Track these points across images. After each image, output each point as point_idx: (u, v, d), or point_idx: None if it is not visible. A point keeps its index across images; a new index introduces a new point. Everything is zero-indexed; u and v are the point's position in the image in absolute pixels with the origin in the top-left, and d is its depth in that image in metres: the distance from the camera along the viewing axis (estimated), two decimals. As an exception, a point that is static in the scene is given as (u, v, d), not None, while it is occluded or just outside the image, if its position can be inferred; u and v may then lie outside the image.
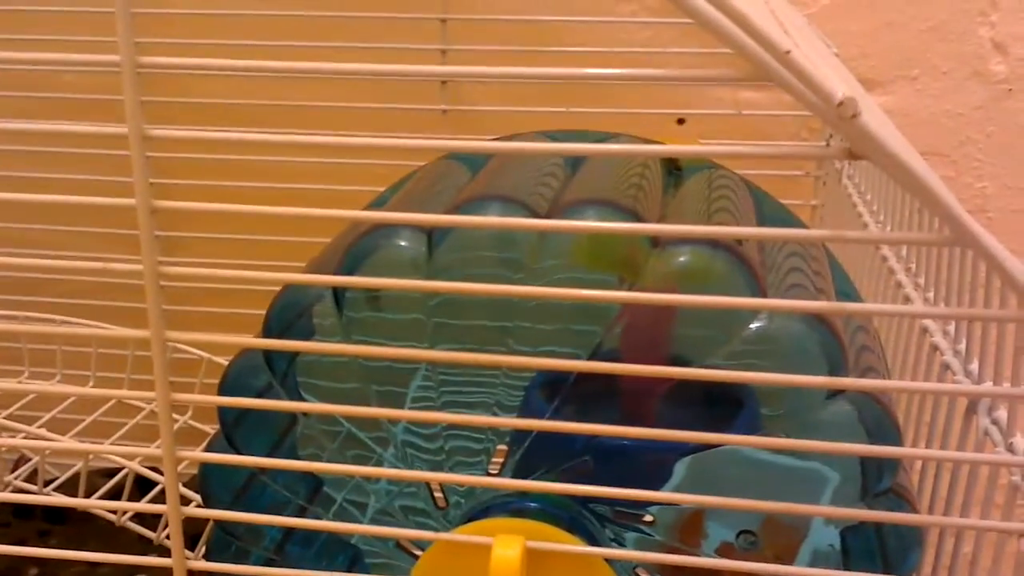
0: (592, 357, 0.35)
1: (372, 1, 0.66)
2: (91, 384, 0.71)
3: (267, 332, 0.37)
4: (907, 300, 0.42)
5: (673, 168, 0.40)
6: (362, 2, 0.66)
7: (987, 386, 0.34)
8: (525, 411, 0.37)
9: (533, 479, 0.37)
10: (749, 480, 0.36)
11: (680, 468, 0.37)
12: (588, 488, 0.32)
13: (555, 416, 0.36)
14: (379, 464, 0.38)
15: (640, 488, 0.32)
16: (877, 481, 0.35)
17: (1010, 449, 0.33)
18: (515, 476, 0.37)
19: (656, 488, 0.36)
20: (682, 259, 0.33)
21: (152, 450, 0.34)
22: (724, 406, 0.36)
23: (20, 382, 0.72)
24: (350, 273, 0.36)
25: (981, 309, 0.30)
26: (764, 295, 0.33)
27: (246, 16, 0.66)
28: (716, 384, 0.35)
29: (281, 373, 0.38)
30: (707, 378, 0.29)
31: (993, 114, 0.68)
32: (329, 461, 0.38)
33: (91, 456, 0.49)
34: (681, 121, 0.70)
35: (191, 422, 0.60)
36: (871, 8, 0.67)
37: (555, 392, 0.36)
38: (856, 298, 0.40)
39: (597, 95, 0.67)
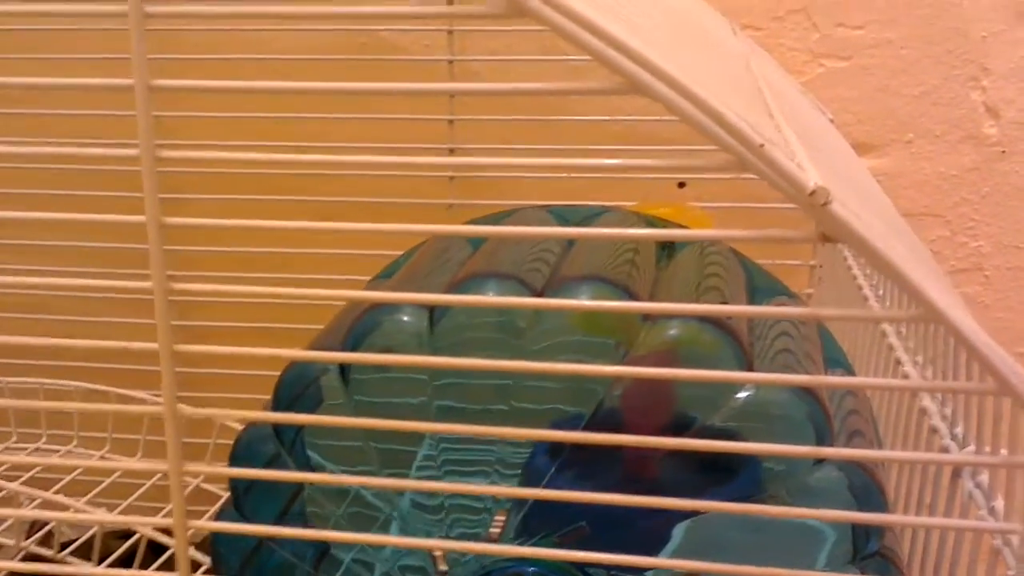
0: (594, 415, 0.36)
1: (382, 73, 0.69)
2: (107, 448, 0.73)
3: (276, 404, 0.38)
4: (897, 364, 0.43)
5: (667, 240, 0.42)
6: (371, 74, 0.69)
7: (969, 452, 0.36)
8: (529, 470, 0.38)
9: (533, 543, 0.38)
10: (750, 539, 0.37)
11: (678, 532, 0.38)
12: (587, 555, 0.33)
13: (557, 477, 0.37)
14: (385, 524, 0.39)
15: (638, 553, 0.33)
16: (865, 543, 0.36)
17: (992, 512, 0.34)
18: (515, 538, 0.38)
19: (655, 553, 0.37)
20: (672, 332, 0.34)
21: (163, 520, 0.35)
22: (727, 462, 0.37)
23: (38, 447, 0.73)
24: (356, 343, 0.37)
25: (957, 381, 0.31)
26: (751, 365, 0.34)
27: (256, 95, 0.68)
28: (721, 439, 0.36)
29: (289, 442, 0.40)
30: (696, 448, 0.30)
31: (987, 175, 0.70)
32: (336, 522, 0.39)
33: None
34: (682, 184, 0.72)
35: (204, 485, 0.62)
36: (865, 75, 0.69)
37: (558, 451, 0.37)
38: (845, 363, 0.41)
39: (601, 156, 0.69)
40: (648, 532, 0.38)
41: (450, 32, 0.69)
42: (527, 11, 0.25)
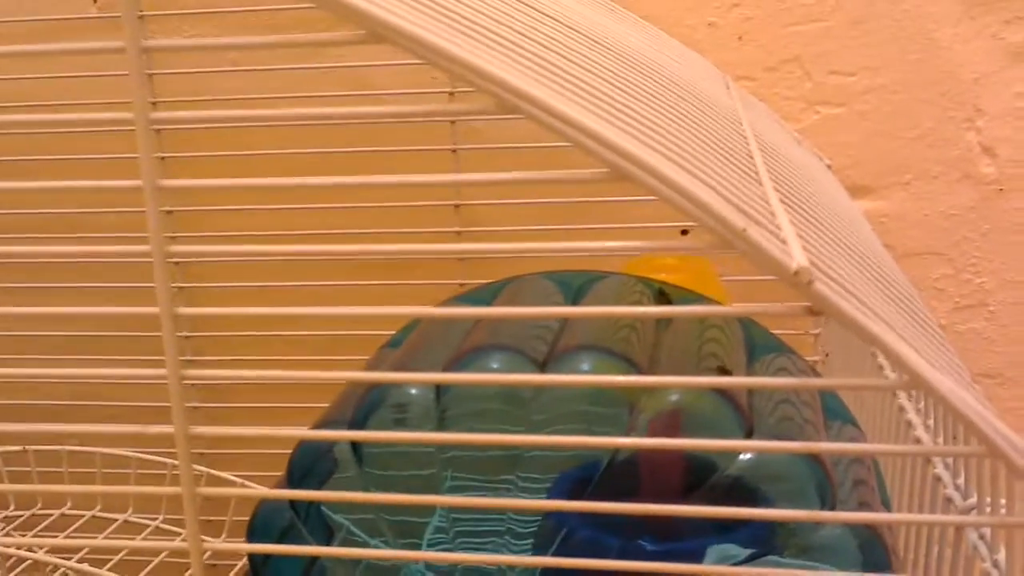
0: (608, 469, 0.37)
1: (386, 138, 0.70)
2: (130, 510, 0.74)
3: (290, 476, 0.39)
4: (909, 425, 0.44)
5: (664, 300, 0.43)
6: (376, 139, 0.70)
7: (971, 505, 0.36)
8: (547, 527, 0.38)
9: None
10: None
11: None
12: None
13: (576, 530, 0.38)
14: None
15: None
16: (873, 599, 0.36)
17: (996, 565, 0.35)
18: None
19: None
20: (673, 398, 0.35)
21: (185, 596, 0.36)
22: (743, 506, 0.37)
23: (63, 513, 0.75)
24: (364, 419, 0.38)
25: (951, 446, 0.32)
26: (751, 428, 0.35)
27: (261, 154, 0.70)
28: (743, 488, 0.37)
29: (304, 511, 0.41)
30: (696, 514, 0.31)
31: (986, 213, 0.71)
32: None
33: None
34: (685, 232, 0.73)
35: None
36: (860, 120, 0.70)
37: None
38: (844, 414, 0.42)
39: (605, 212, 0.70)
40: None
41: (453, 123, 0.71)
42: (514, 109, 0.27)
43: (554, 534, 0.38)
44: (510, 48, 0.29)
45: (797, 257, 0.26)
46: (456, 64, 0.26)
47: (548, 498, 0.38)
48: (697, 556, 0.38)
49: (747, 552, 0.37)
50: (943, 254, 0.72)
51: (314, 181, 0.30)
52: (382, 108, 0.29)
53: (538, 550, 0.39)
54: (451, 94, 0.71)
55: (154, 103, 0.74)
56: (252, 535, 0.41)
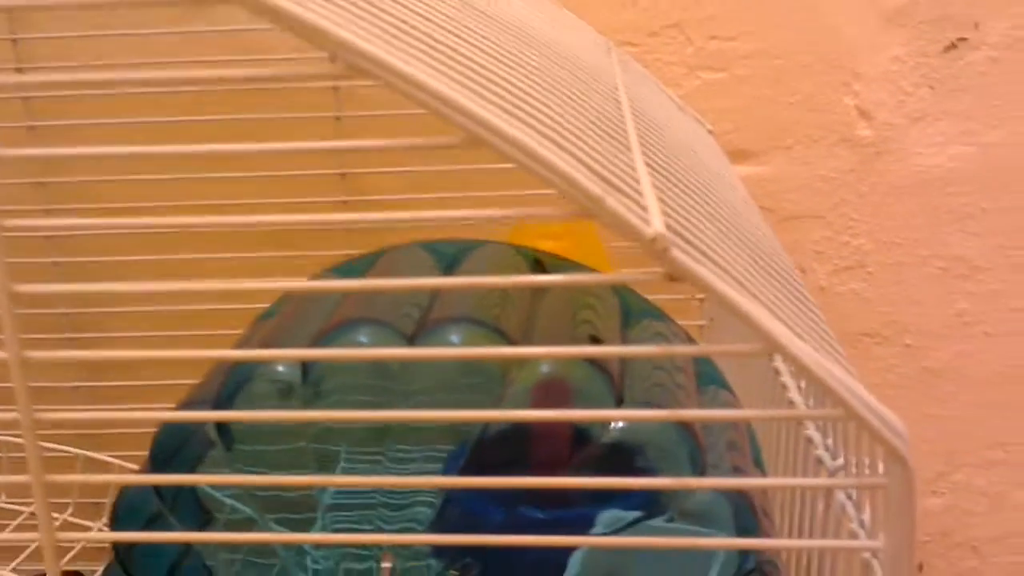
0: (475, 448, 0.37)
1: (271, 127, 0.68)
2: (2, 497, 0.71)
3: (153, 462, 0.38)
4: (784, 388, 0.45)
5: (539, 270, 0.42)
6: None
7: (839, 466, 0.37)
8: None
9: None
10: (647, 562, 0.38)
11: (575, 561, 0.38)
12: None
13: (460, 497, 0.37)
14: (283, 568, 0.39)
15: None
16: (744, 560, 0.37)
17: (861, 524, 0.36)
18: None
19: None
20: (544, 369, 0.35)
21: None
22: (628, 475, 0.37)
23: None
24: (231, 398, 0.37)
25: (813, 410, 0.32)
26: (621, 397, 0.35)
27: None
28: (619, 454, 0.37)
29: (171, 496, 0.39)
30: (570, 486, 0.31)
31: (864, 176, 0.72)
32: (236, 570, 0.39)
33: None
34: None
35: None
36: (741, 85, 0.70)
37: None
38: (719, 380, 0.42)
39: (490, 179, 0.69)
40: (544, 562, 0.39)
41: (336, 88, 0.69)
42: (364, 73, 0.26)
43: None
44: (364, 10, 0.28)
45: (655, 224, 0.26)
46: (298, 24, 0.25)
47: (441, 474, 0.38)
48: (584, 523, 0.38)
49: (633, 515, 0.37)
50: (822, 217, 0.73)
51: (189, 149, 0.29)
52: (256, 71, 0.27)
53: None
54: (332, 59, 0.69)
55: (19, 68, 0.70)
56: (116, 523, 0.39)
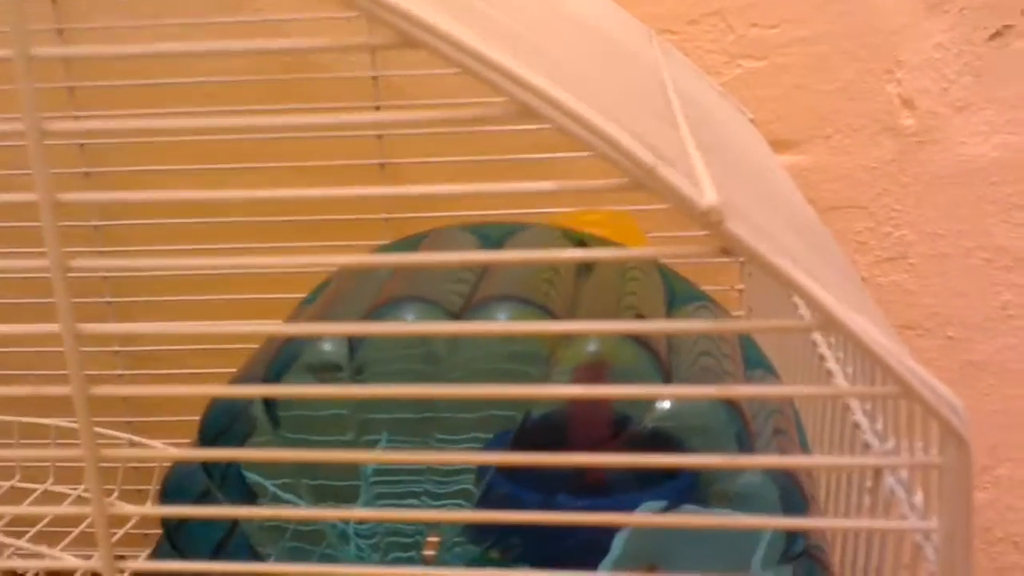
0: (520, 432, 0.37)
1: (307, 91, 0.69)
2: (51, 480, 0.72)
3: (202, 439, 0.38)
4: (829, 374, 0.44)
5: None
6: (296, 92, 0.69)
7: (889, 448, 0.36)
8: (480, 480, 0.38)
9: (475, 556, 0.38)
10: (691, 542, 0.37)
11: (619, 541, 0.38)
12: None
13: (500, 482, 0.37)
14: (326, 551, 0.39)
15: (580, 564, 0.33)
16: (792, 543, 0.36)
17: (913, 507, 0.35)
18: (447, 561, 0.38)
19: (597, 561, 0.38)
20: (591, 348, 0.35)
21: (93, 563, 0.35)
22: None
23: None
24: (277, 377, 0.37)
25: (866, 386, 0.32)
26: (669, 377, 0.35)
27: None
28: (661, 440, 0.37)
29: (220, 475, 0.39)
30: (613, 465, 0.30)
31: (906, 166, 0.71)
32: (279, 553, 0.39)
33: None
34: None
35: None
36: (781, 74, 0.70)
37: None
38: (765, 364, 0.42)
39: (539, 170, 0.69)
40: (589, 543, 0.39)
41: (375, 79, 0.70)
42: (418, 42, 0.26)
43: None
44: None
45: (708, 195, 0.26)
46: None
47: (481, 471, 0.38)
48: (621, 511, 0.38)
49: (666, 503, 0.37)
50: (864, 207, 0.72)
51: (235, 196, 0.29)
52: (292, 42, 0.27)
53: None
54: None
55: (76, 116, 0.71)
56: (165, 500, 0.39)
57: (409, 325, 0.34)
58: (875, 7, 0.68)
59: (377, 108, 0.70)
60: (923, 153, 0.71)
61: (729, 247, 0.26)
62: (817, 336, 0.47)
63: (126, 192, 0.29)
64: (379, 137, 0.70)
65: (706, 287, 0.46)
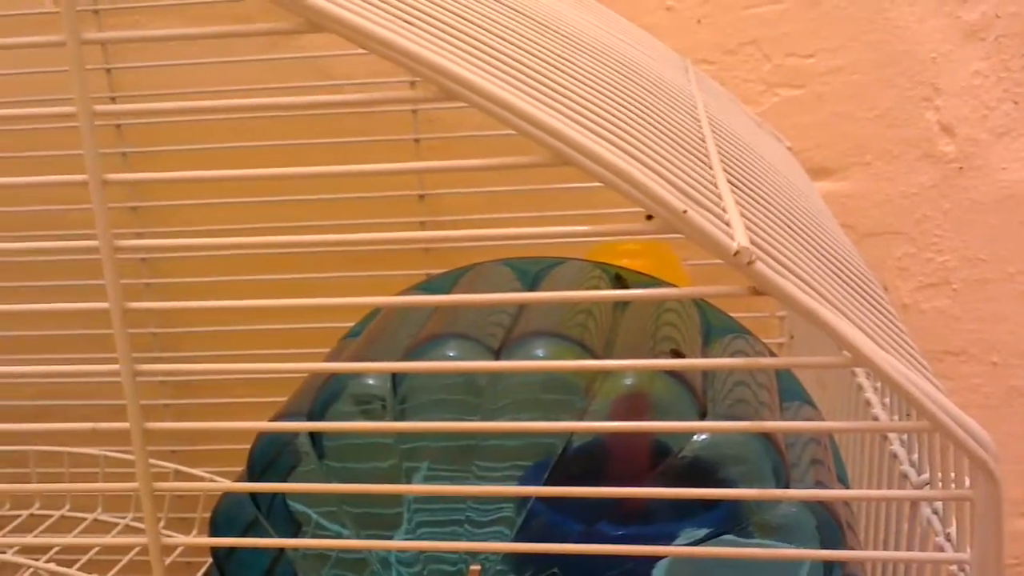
0: (558, 463, 0.37)
1: (349, 129, 0.70)
2: (99, 510, 0.74)
3: (250, 472, 0.39)
4: (868, 404, 0.45)
5: (620, 285, 0.43)
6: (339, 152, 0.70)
7: (924, 480, 0.37)
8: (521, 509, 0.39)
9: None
10: (730, 572, 0.38)
11: (659, 571, 0.39)
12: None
13: (540, 512, 0.38)
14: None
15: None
16: (831, 571, 0.37)
17: (948, 538, 0.35)
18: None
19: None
20: (628, 382, 0.36)
21: (146, 592, 0.36)
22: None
23: (32, 513, 0.75)
24: (324, 408, 0.39)
25: (898, 421, 0.32)
26: (705, 411, 0.35)
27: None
28: (699, 470, 0.37)
29: (267, 505, 0.41)
30: (652, 496, 0.31)
31: (947, 191, 0.71)
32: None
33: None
34: (650, 217, 0.73)
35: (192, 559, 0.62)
36: (819, 102, 0.70)
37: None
38: (808, 402, 0.42)
39: (568, 199, 0.70)
40: (630, 572, 0.39)
41: (414, 112, 0.71)
42: (459, 98, 0.27)
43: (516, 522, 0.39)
44: (452, 35, 0.29)
45: (739, 238, 0.27)
46: (394, 51, 0.26)
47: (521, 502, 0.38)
48: (660, 540, 0.38)
49: (705, 531, 0.38)
50: (905, 233, 0.73)
51: (274, 172, 0.30)
52: (341, 96, 0.29)
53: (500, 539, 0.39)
54: (412, 84, 0.71)
55: (113, 98, 0.73)
56: (215, 530, 0.41)
57: (451, 364, 0.35)
58: (911, 35, 0.69)
59: (417, 141, 0.71)
60: (963, 179, 0.71)
61: (759, 287, 0.27)
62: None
63: (168, 173, 0.30)
64: (421, 198, 0.72)
65: (747, 315, 0.47)
